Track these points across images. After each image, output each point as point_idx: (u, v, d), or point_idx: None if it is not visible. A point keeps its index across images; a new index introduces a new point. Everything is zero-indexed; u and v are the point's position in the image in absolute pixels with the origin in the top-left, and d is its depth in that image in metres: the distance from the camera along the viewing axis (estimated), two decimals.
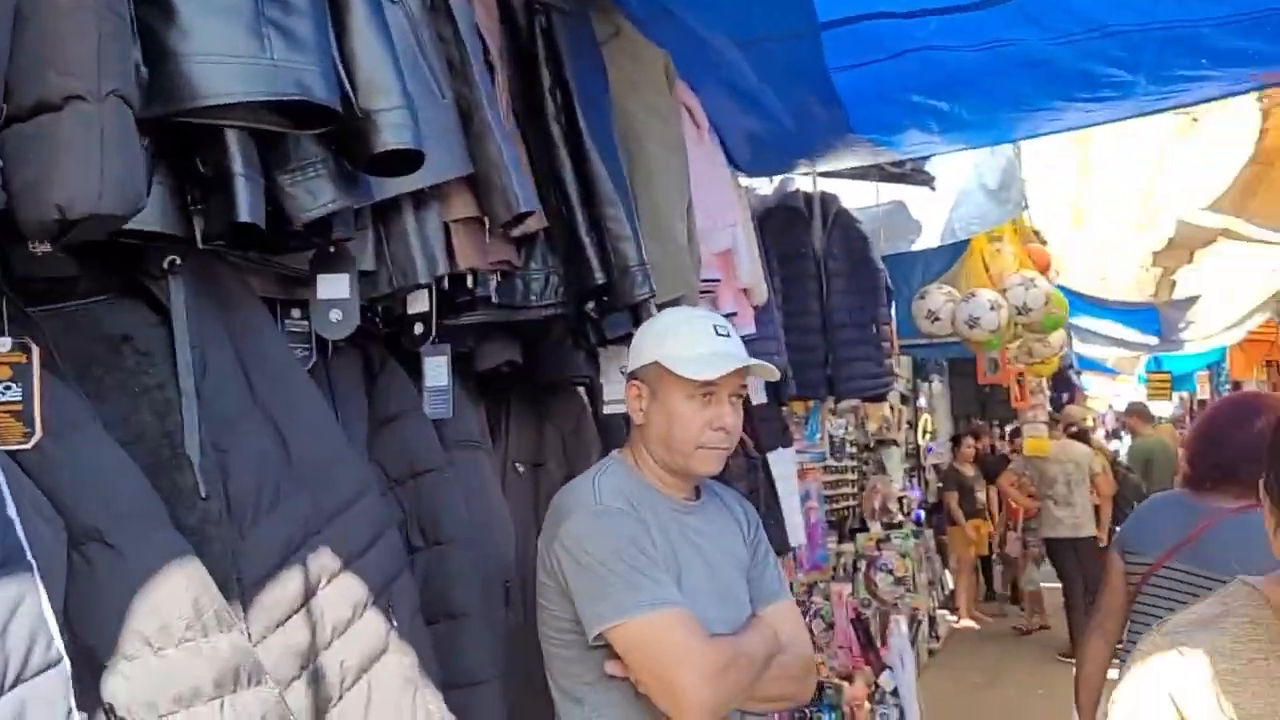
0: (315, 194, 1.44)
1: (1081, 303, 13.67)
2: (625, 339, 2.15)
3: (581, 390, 2.72)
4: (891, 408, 9.84)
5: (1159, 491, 3.24)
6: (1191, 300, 12.58)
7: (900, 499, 10.46)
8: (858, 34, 2.57)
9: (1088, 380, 24.83)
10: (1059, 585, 8.38)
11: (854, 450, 6.50)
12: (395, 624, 1.59)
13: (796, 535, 4.29)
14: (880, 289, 4.45)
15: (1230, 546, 2.15)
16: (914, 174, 4.50)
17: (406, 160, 1.48)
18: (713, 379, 1.81)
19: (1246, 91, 3.71)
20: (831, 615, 4.68)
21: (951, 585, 9.73)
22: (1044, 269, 6.39)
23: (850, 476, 6.27)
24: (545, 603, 1.85)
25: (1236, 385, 20.27)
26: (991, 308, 4.84)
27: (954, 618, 9.50)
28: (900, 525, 6.38)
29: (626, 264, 2.07)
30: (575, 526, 1.77)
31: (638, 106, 2.49)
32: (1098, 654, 2.64)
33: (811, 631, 4.66)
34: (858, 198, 4.64)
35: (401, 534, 1.95)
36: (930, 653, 7.93)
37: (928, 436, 10.93)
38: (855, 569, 5.04)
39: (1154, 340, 14.95)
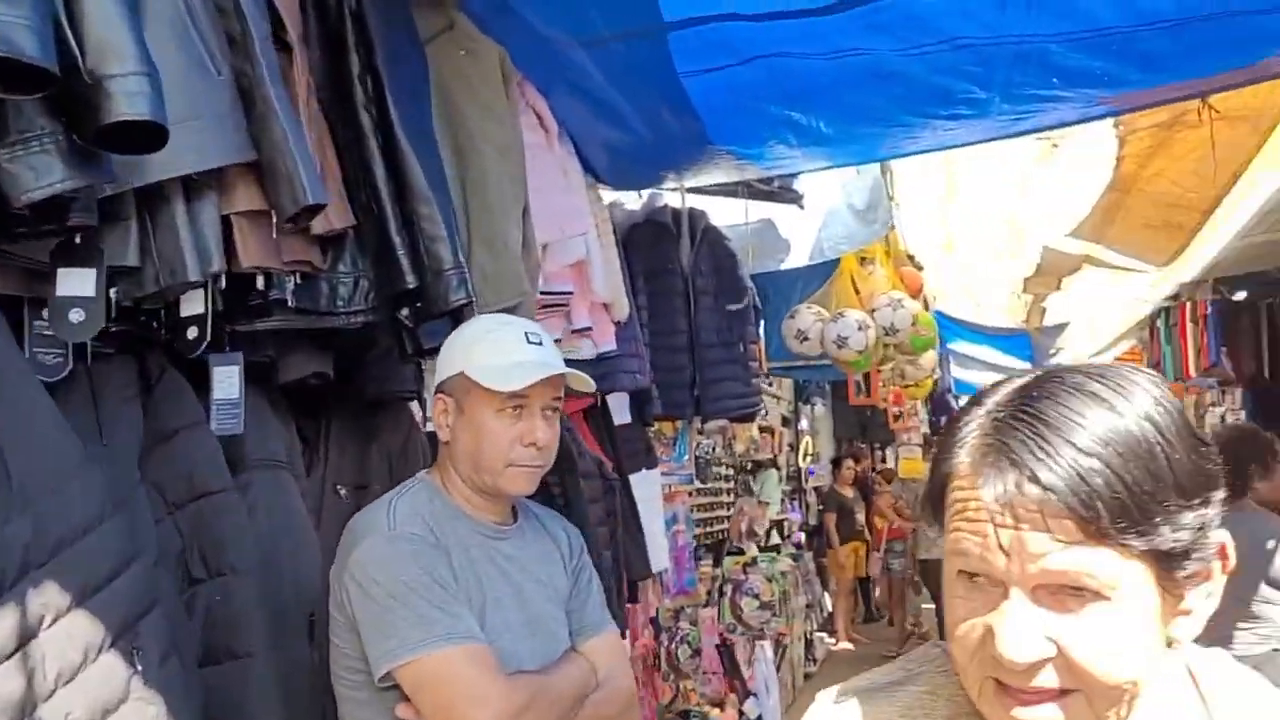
0: (40, 171, 1.25)
1: (958, 328, 14.01)
2: None
3: (415, 406, 2.55)
4: (770, 430, 9.87)
5: None
6: (1061, 327, 13.01)
7: (781, 522, 10.50)
8: (705, 37, 2.46)
9: None
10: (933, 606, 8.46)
11: (730, 472, 6.43)
12: (140, 668, 1.39)
13: (660, 559, 4.17)
14: (748, 308, 4.38)
15: None
16: (782, 192, 4.45)
17: (157, 137, 1.30)
18: (521, 390, 1.66)
19: (1101, 117, 3.76)
20: (699, 641, 4.57)
21: (830, 607, 9.75)
22: (915, 292, 6.44)
23: (726, 499, 6.19)
24: (336, 640, 1.67)
25: None
26: (859, 328, 4.82)
27: (832, 640, 9.52)
28: (776, 549, 6.29)
29: (441, 266, 1.90)
30: (364, 555, 1.60)
31: (471, 105, 2.34)
32: None
33: (676, 658, 4.53)
34: (727, 215, 4.57)
35: (179, 564, 1.75)
36: (806, 676, 7.90)
37: (809, 459, 10.99)
38: (721, 594, 4.93)
39: (1027, 365, 15.46)
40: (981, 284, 10.40)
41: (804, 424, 11.45)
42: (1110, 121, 4.42)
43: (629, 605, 3.90)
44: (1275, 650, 3.33)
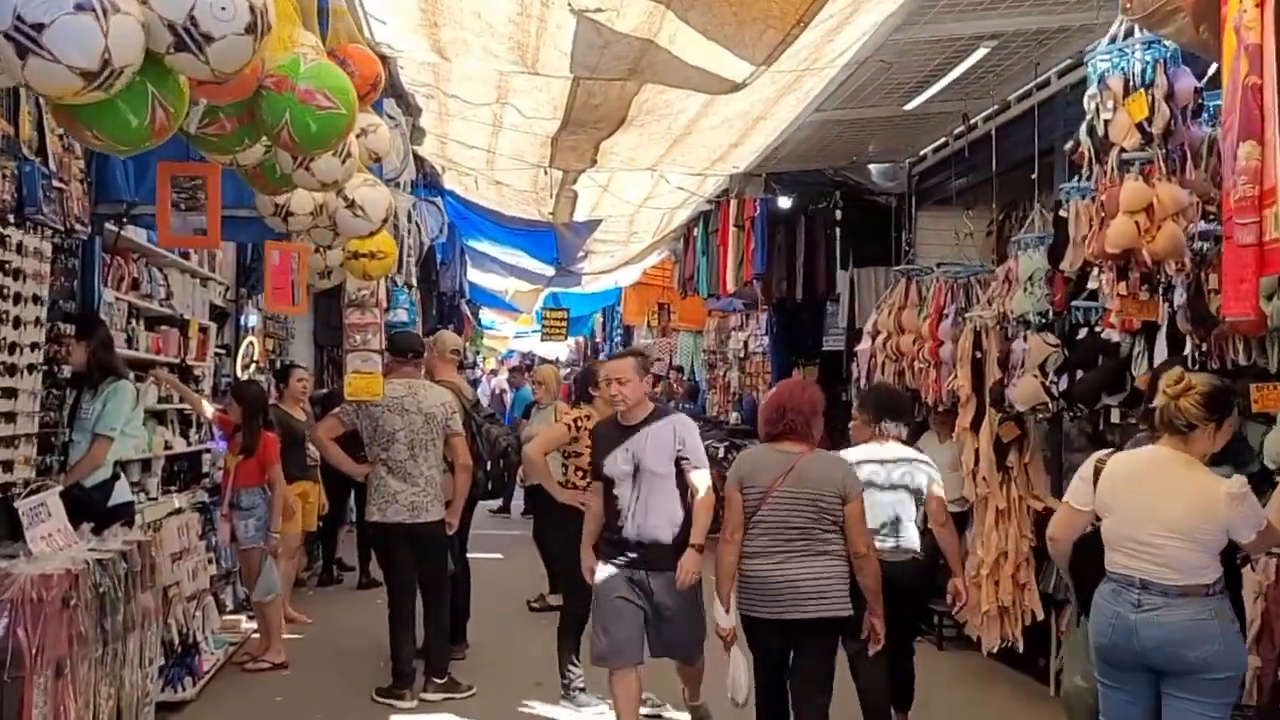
0: None
1: (477, 219, 11.39)
2: None
3: None
4: (182, 324, 6.74)
5: None
6: (593, 224, 10.91)
7: (199, 454, 7.49)
8: None
9: (490, 317, 23.15)
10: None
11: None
12: None
13: None
14: None
15: (811, 472, 3.99)
16: None
17: None
18: None
19: None
20: None
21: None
22: (367, 87, 3.71)
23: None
24: None
25: (628, 330, 19.90)
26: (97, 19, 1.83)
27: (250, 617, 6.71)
28: None
29: None
30: None
31: None
32: (732, 557, 4.04)
33: None
34: None
35: None
36: (176, 706, 4.99)
37: (252, 368, 7.95)
38: None
39: (550, 270, 13.30)
40: (503, 146, 7.91)
41: (251, 320, 8.35)
42: None
43: None
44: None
